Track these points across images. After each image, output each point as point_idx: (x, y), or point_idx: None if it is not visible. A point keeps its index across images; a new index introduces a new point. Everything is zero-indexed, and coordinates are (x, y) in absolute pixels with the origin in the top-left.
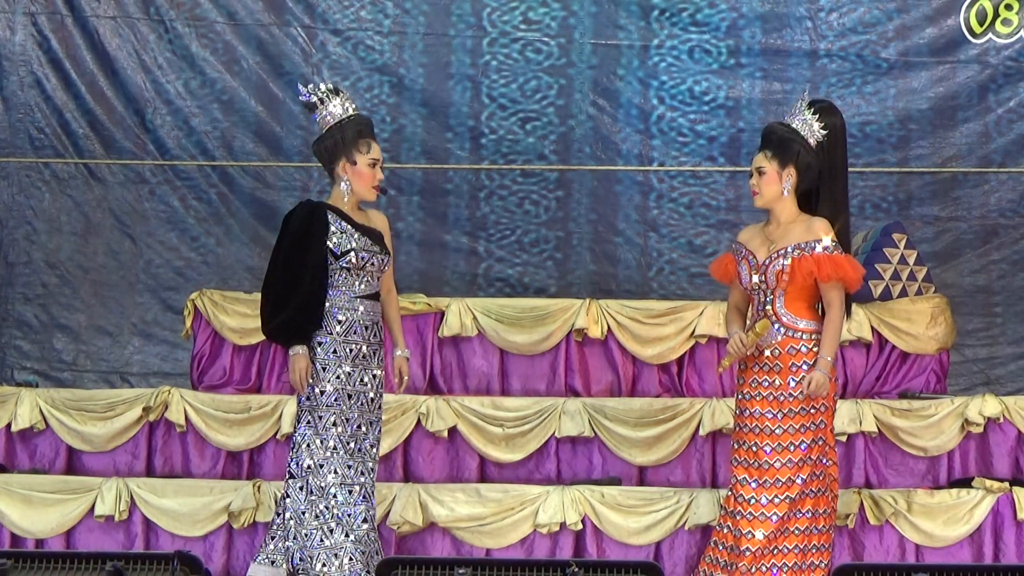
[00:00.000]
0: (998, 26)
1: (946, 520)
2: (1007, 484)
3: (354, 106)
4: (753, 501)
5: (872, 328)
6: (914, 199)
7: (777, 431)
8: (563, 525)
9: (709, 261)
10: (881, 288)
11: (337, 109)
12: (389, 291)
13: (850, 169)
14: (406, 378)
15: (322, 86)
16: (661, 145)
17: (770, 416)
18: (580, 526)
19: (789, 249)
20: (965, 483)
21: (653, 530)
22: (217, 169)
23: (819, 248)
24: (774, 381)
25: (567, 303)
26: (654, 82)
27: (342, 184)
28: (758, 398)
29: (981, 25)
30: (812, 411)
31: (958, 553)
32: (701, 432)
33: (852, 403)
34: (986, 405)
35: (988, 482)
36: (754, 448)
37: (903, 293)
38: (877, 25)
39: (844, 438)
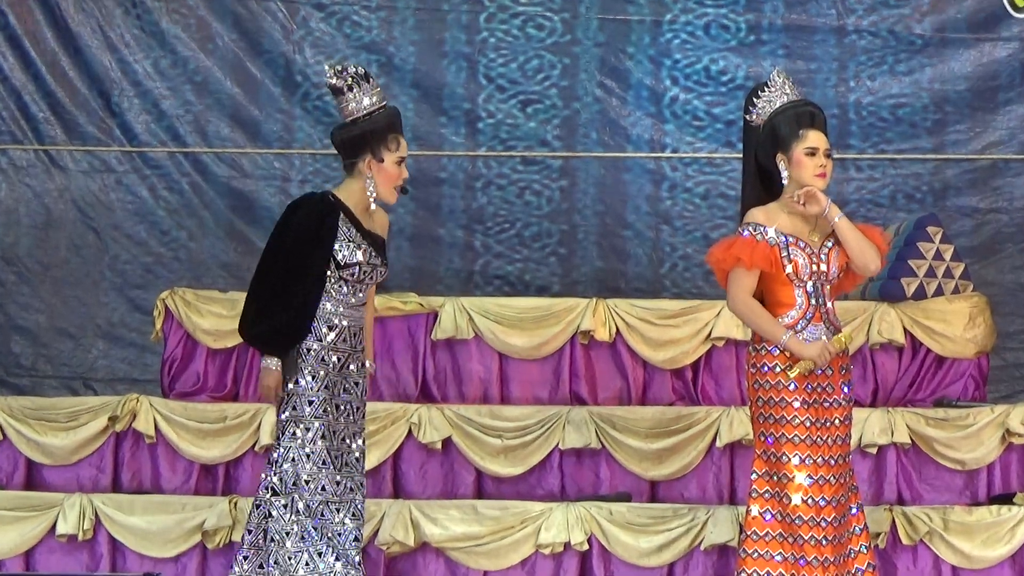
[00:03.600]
0: None
1: (985, 540)
2: None
3: (382, 95)
4: (839, 522)
5: (904, 330)
6: (951, 189)
7: (848, 440)
8: (567, 545)
9: None
10: (915, 286)
11: (367, 97)
12: (370, 297)
13: (881, 156)
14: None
15: (351, 68)
16: (674, 130)
17: (838, 423)
18: (586, 546)
19: (833, 239)
20: (1006, 499)
21: (666, 551)
22: (189, 156)
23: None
24: (828, 386)
25: (572, 303)
26: (667, 61)
27: (367, 182)
28: (825, 405)
29: None
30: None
31: None
32: (718, 444)
33: (883, 412)
34: None
35: None
36: (832, 462)
37: (939, 292)
38: None
39: (874, 450)
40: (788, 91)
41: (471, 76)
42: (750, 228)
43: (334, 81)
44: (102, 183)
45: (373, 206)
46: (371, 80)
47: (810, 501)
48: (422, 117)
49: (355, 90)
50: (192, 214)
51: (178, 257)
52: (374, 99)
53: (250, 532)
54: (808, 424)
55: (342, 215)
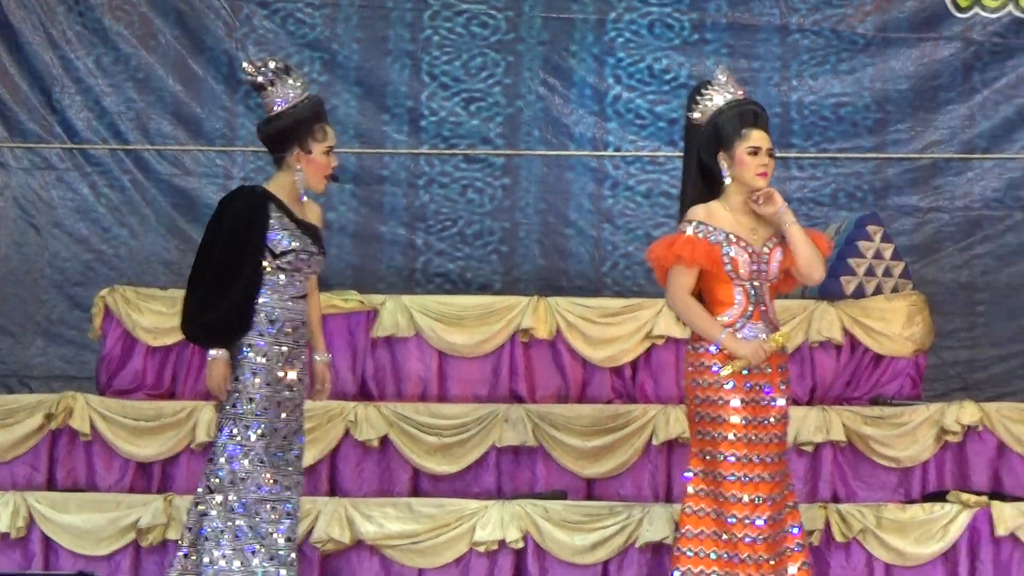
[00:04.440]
0: None
1: (918, 537)
2: (985, 498)
3: (305, 86)
4: (773, 521)
5: (843, 328)
6: (891, 188)
7: (785, 437)
8: (503, 543)
9: None
10: (854, 285)
11: (290, 90)
12: (312, 290)
13: (823, 155)
14: (328, 385)
15: (270, 64)
16: (617, 128)
17: (774, 422)
18: (521, 544)
19: (777, 238)
20: (940, 497)
21: (600, 548)
22: (131, 153)
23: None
24: (765, 385)
25: (513, 301)
26: (610, 59)
27: (295, 174)
28: (759, 404)
29: None
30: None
31: (931, 572)
32: (655, 442)
33: (819, 410)
34: (964, 412)
35: (965, 496)
36: (768, 460)
37: (878, 290)
38: None
39: (810, 448)
40: (731, 89)
41: (414, 74)
42: (692, 226)
43: (255, 77)
44: (43, 180)
45: (304, 197)
46: (292, 73)
47: (745, 499)
48: (365, 115)
49: (277, 84)
50: (133, 211)
51: (119, 255)
52: (297, 91)
53: (189, 530)
54: (744, 423)
55: (273, 205)
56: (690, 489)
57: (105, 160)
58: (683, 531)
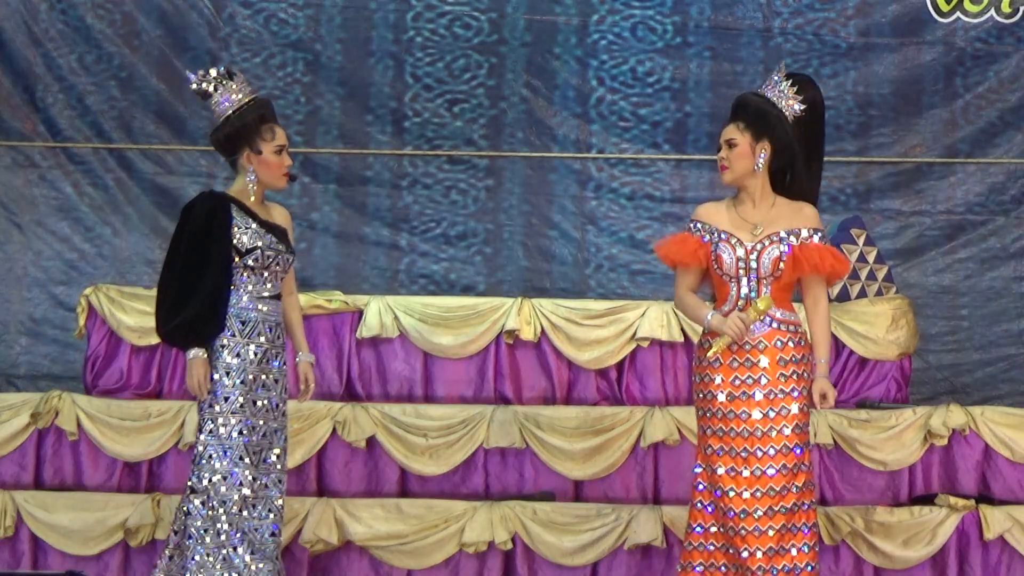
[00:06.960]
0: (967, 4)
1: (907, 540)
2: (973, 501)
3: (251, 89)
4: (745, 515)
5: None
6: (874, 191)
7: (771, 433)
8: (491, 544)
9: (653, 257)
10: (838, 288)
11: (234, 95)
12: (290, 292)
13: None
14: (312, 385)
15: (213, 71)
16: (601, 130)
17: (759, 417)
18: (510, 545)
19: (784, 235)
20: (928, 500)
21: (589, 550)
22: (114, 152)
23: (816, 238)
24: (760, 378)
25: (497, 302)
26: (593, 61)
27: (248, 176)
28: (743, 398)
29: (948, 3)
30: (804, 411)
31: None
32: (642, 444)
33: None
34: (951, 416)
35: (952, 499)
36: (744, 454)
37: (862, 294)
38: (836, 2)
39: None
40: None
41: (398, 75)
42: (690, 225)
43: (199, 86)
44: (25, 178)
45: (252, 196)
46: (236, 78)
47: (745, 495)
48: (348, 115)
49: (220, 90)
50: (116, 210)
51: (102, 253)
52: (241, 95)
53: (176, 533)
54: (731, 417)
55: (234, 206)
56: (696, 484)
57: (88, 159)
58: (693, 526)
